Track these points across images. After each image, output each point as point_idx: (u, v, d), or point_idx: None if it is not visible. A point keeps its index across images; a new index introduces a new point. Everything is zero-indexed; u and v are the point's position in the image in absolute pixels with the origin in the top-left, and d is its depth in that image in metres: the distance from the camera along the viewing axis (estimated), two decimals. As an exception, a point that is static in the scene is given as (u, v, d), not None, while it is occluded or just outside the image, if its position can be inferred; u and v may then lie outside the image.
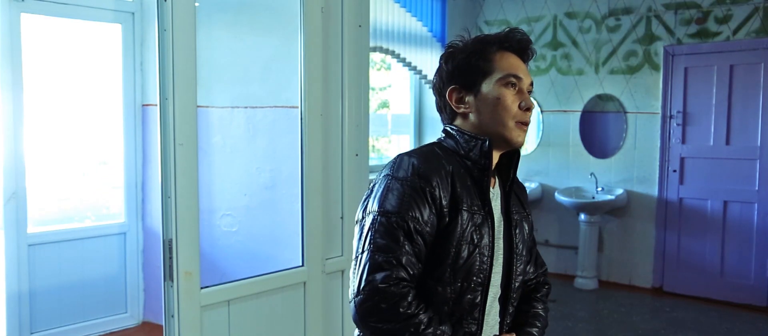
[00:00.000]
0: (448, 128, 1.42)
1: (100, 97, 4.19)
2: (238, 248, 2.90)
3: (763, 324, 4.61)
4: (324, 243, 2.63)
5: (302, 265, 2.57)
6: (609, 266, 5.61)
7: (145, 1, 4.23)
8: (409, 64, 5.59)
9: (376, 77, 6.59)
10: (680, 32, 5.14)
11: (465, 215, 1.30)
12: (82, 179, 4.17)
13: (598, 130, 5.70)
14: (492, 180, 1.41)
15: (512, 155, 1.43)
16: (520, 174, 6.40)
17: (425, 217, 1.27)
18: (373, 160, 5.47)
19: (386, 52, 5.35)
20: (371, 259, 1.25)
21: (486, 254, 1.33)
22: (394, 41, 5.37)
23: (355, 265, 1.28)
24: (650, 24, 5.27)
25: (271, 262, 2.66)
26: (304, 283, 2.56)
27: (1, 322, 3.74)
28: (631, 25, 5.37)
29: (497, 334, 1.42)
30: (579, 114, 5.70)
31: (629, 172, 5.47)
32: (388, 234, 1.26)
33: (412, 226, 1.26)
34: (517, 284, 1.44)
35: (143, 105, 4.29)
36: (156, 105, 2.13)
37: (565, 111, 5.79)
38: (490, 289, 1.36)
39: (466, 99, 1.39)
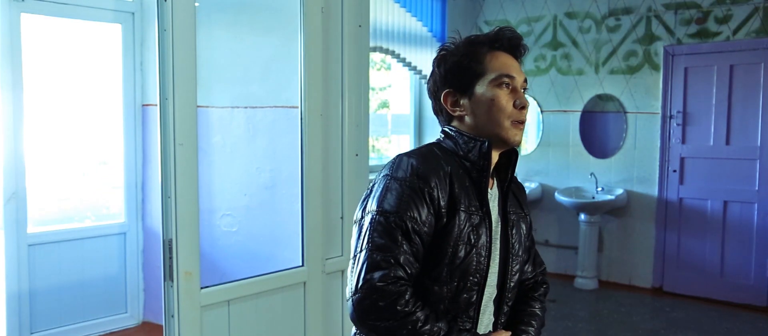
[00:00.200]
0: (447, 129, 1.43)
1: (100, 97, 4.19)
2: (238, 248, 2.90)
3: (763, 324, 4.61)
4: (324, 243, 2.63)
5: (302, 265, 2.57)
6: (609, 266, 5.62)
7: (145, 1, 4.23)
8: (409, 64, 5.59)
9: (376, 77, 6.59)
10: (680, 32, 5.14)
11: (463, 215, 1.31)
12: (82, 179, 4.17)
13: (598, 130, 5.70)
14: (490, 181, 1.41)
15: (510, 155, 1.44)
16: (520, 174, 6.39)
17: (423, 217, 1.28)
18: (373, 160, 5.47)
19: (386, 52, 5.35)
20: (369, 258, 1.25)
21: (483, 254, 1.34)
22: (394, 41, 5.37)
23: (353, 263, 1.29)
24: (650, 24, 5.27)
25: (271, 262, 2.67)
26: (304, 283, 2.56)
27: (1, 322, 3.74)
28: (631, 25, 5.37)
29: (491, 331, 1.43)
30: (579, 114, 5.70)
31: (629, 172, 5.47)
32: (386, 233, 1.26)
33: (410, 226, 1.27)
34: (512, 284, 1.44)
35: (143, 105, 4.29)
36: (156, 105, 2.13)
37: (565, 111, 5.79)
38: (486, 289, 1.37)
39: (461, 102, 1.39)
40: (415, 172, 1.30)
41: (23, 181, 3.73)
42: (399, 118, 6.35)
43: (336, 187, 2.70)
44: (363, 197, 1.39)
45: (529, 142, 6.09)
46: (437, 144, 1.43)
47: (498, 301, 1.43)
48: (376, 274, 1.24)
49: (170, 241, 2.10)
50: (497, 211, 1.42)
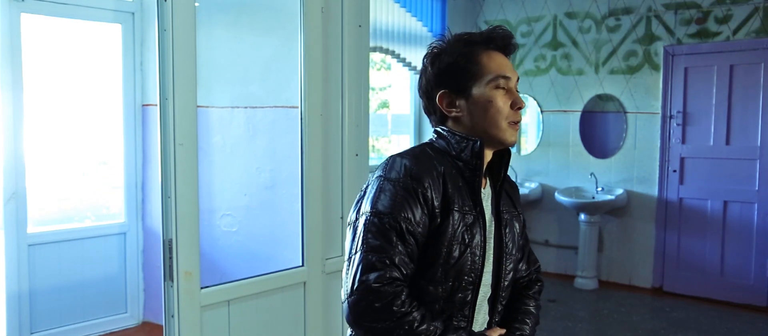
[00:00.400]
0: (440, 129, 1.43)
1: (100, 97, 4.19)
2: (238, 248, 2.90)
3: (763, 324, 4.61)
4: (324, 243, 2.63)
5: (302, 265, 2.57)
6: (609, 266, 5.61)
7: (145, 1, 4.23)
8: (409, 64, 5.59)
9: (376, 77, 6.59)
10: (680, 32, 5.14)
11: (456, 215, 1.31)
12: (82, 179, 4.17)
13: (598, 130, 5.70)
14: (483, 180, 1.42)
15: (503, 154, 1.44)
16: (520, 174, 6.36)
17: (417, 218, 1.28)
18: (373, 160, 5.47)
19: (386, 52, 5.35)
20: (364, 260, 1.25)
21: (477, 254, 1.34)
22: (394, 41, 5.37)
23: (348, 265, 1.29)
24: (650, 24, 5.27)
25: (271, 262, 2.67)
26: (304, 283, 2.56)
27: (1, 322, 3.74)
28: (631, 25, 5.37)
29: (486, 328, 1.43)
30: (579, 114, 5.70)
31: (629, 172, 5.47)
32: (380, 234, 1.26)
33: (404, 226, 1.27)
34: (506, 283, 1.45)
35: (143, 105, 4.29)
36: (156, 105, 2.13)
37: (565, 111, 5.79)
38: (481, 288, 1.38)
39: (457, 103, 1.39)
40: (408, 173, 1.30)
41: (23, 181, 3.73)
42: (399, 118, 6.35)
43: (336, 187, 2.70)
44: (357, 199, 1.39)
45: (529, 142, 6.09)
46: (430, 144, 1.42)
47: (492, 300, 1.43)
48: (372, 276, 1.23)
49: (170, 241, 2.10)
50: (491, 211, 1.42)
